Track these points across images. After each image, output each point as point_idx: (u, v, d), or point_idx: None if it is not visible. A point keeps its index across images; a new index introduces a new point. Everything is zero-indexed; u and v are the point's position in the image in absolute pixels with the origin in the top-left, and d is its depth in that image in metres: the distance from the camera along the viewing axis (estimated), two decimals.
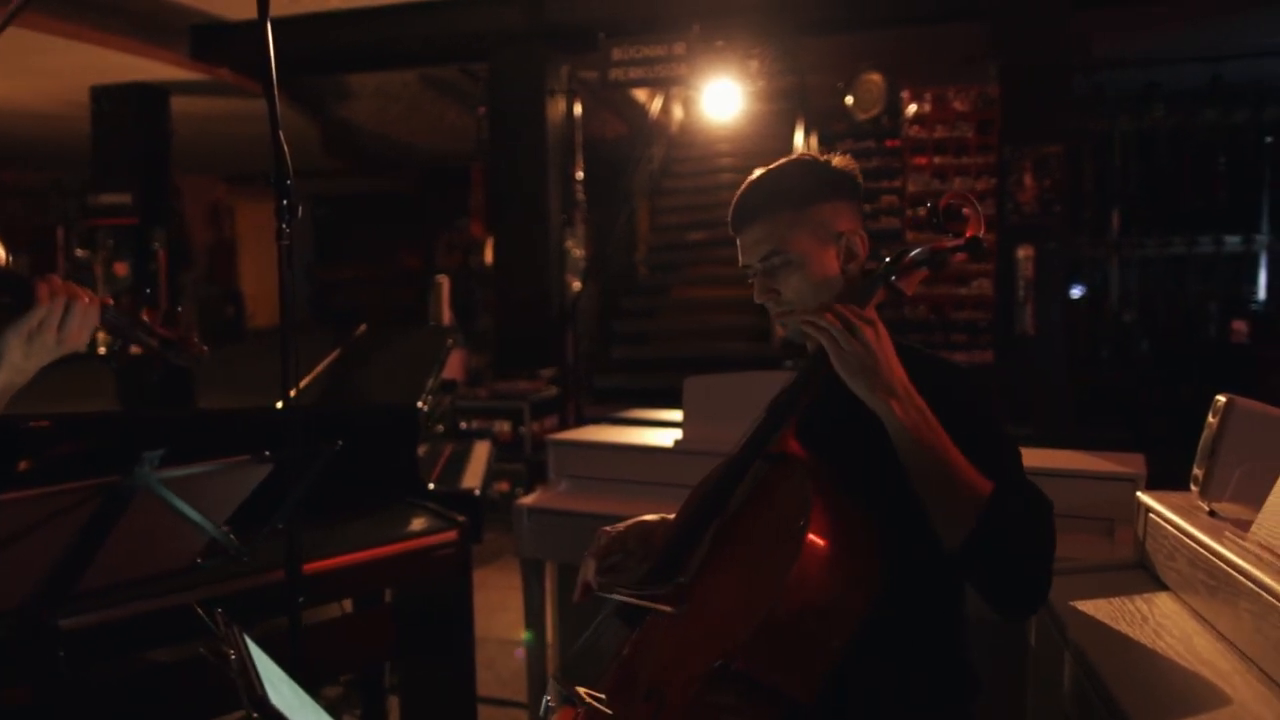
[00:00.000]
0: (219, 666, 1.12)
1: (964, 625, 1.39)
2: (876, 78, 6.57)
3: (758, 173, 1.46)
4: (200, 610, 1.23)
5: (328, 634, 2.57)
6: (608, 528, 1.53)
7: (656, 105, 10.37)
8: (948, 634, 1.37)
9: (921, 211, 1.44)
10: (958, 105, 5.93)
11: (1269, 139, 9.70)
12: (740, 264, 1.46)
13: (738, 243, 1.45)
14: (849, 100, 6.70)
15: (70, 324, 1.30)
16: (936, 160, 6.09)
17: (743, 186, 1.45)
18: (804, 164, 1.44)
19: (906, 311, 6.59)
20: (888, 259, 1.40)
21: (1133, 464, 2.24)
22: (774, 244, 1.38)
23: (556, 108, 7.19)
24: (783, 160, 1.47)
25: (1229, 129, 9.64)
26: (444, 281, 6.60)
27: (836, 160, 1.44)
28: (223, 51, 7.32)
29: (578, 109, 7.53)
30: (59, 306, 1.29)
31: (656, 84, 7.35)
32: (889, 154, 6.90)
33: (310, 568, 2.17)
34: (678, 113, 11.00)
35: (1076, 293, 8.73)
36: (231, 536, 1.28)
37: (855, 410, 1.28)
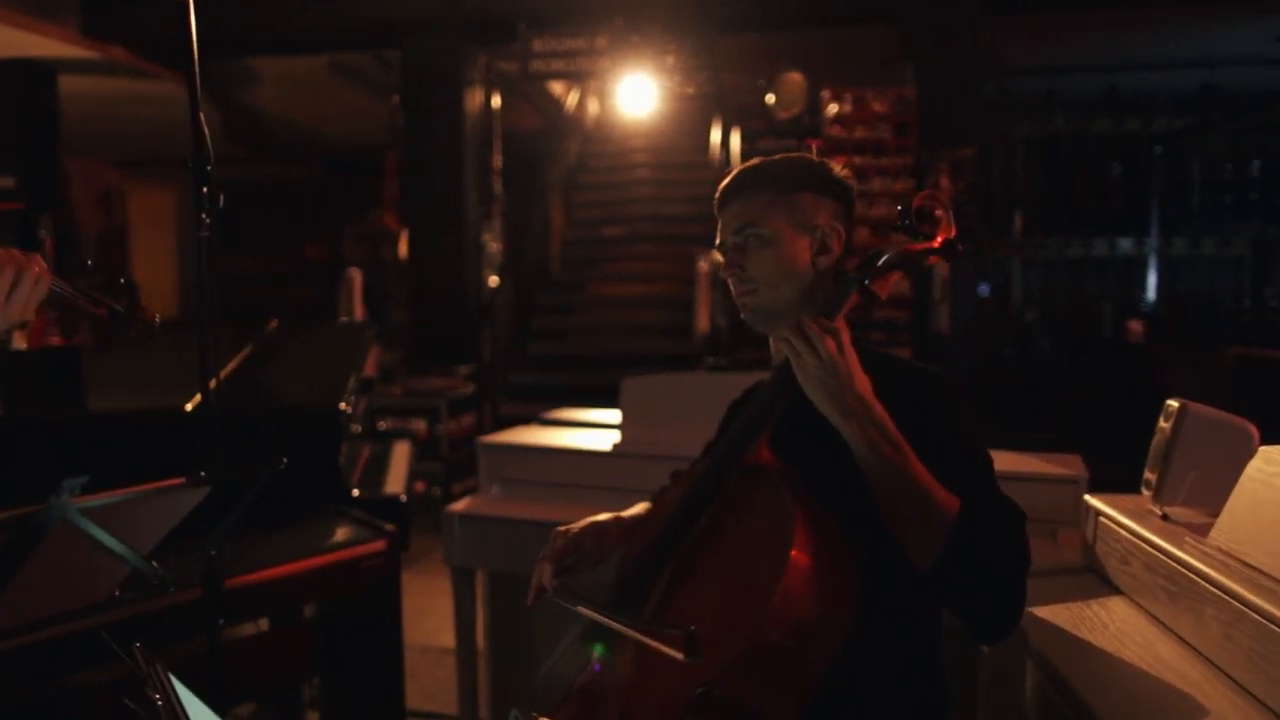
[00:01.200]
0: (141, 713, 1.00)
1: (941, 639, 1.36)
2: (797, 77, 6.60)
3: (750, 160, 1.47)
4: (116, 644, 1.10)
5: (242, 653, 2.41)
6: (562, 528, 1.47)
7: (573, 99, 10.25)
8: (928, 649, 1.33)
9: (893, 214, 1.39)
10: (877, 106, 6.00)
11: (1158, 149, 10.17)
12: (716, 241, 1.45)
13: (719, 222, 1.43)
14: (770, 99, 6.72)
15: (19, 294, 1.21)
16: (856, 160, 6.13)
17: (737, 169, 1.46)
18: (801, 158, 1.44)
19: None
20: (860, 261, 1.35)
21: (1072, 465, 2.26)
22: (749, 219, 1.38)
23: (474, 98, 7.02)
24: (784, 154, 1.46)
25: (1122, 137, 10.08)
26: (356, 275, 6.36)
27: (836, 167, 1.44)
28: (117, 28, 6.90)
29: (496, 101, 7.36)
30: (7, 276, 1.19)
31: (578, 77, 7.25)
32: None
33: (228, 584, 2.02)
34: (594, 107, 10.90)
35: (983, 292, 8.99)
36: (155, 566, 1.14)
37: (823, 422, 1.23)
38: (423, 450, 5.82)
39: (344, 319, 6.20)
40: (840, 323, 1.25)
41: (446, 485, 5.85)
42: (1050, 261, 10.25)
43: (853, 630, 1.14)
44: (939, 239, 1.36)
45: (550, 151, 9.76)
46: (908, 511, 1.18)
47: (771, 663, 1.11)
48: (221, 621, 1.71)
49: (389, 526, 2.40)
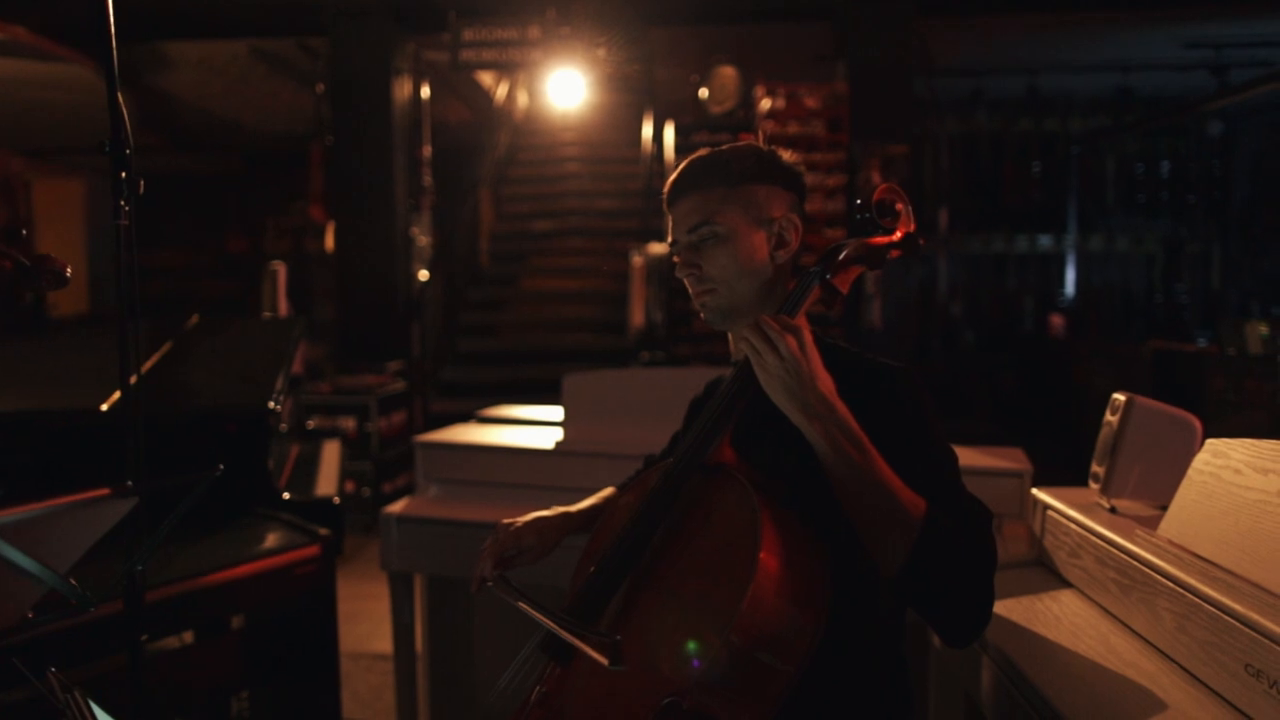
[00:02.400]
0: None
1: (904, 636, 1.34)
2: (730, 71, 6.61)
3: (698, 152, 1.41)
4: (29, 669, 1.01)
5: (167, 666, 2.29)
6: (506, 520, 1.47)
7: (502, 91, 10.12)
8: (894, 648, 1.31)
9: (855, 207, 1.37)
10: (809, 102, 6.04)
11: (1075, 148, 10.49)
12: (669, 240, 1.40)
13: (669, 219, 1.38)
14: (703, 93, 6.71)
15: None
16: (789, 156, 6.16)
17: (684, 163, 1.40)
18: (749, 147, 1.39)
19: None
20: (820, 256, 1.32)
21: (1016, 459, 2.28)
22: (702, 216, 1.33)
23: (403, 88, 6.85)
24: (730, 144, 1.41)
25: (1042, 136, 10.38)
26: (280, 269, 6.14)
27: (785, 154, 1.40)
28: (20, 7, 6.55)
29: (425, 91, 7.21)
30: None
31: (509, 68, 7.13)
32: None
33: (150, 596, 1.91)
34: (523, 100, 10.78)
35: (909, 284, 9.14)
36: (76, 586, 1.05)
37: (785, 422, 1.20)
38: (353, 449, 5.67)
39: (268, 314, 5.99)
40: (801, 320, 1.21)
41: (377, 485, 5.70)
42: (974, 257, 10.50)
43: (822, 634, 1.11)
44: (899, 233, 1.34)
45: (479, 144, 9.61)
46: (873, 514, 1.14)
47: (741, 672, 1.07)
48: (145, 637, 1.60)
49: (322, 531, 2.31)
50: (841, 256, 1.31)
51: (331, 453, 3.57)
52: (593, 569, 1.24)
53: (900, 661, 1.33)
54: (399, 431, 6.10)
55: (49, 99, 8.30)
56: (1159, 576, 1.39)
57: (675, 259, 1.39)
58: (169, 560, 2.08)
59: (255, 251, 11.14)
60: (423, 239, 7.07)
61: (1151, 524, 1.57)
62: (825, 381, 1.15)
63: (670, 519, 1.23)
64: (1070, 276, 10.69)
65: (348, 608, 4.22)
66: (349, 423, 5.68)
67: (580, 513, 1.54)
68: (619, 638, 1.03)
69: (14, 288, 1.31)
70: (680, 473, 1.22)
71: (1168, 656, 1.36)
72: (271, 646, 2.38)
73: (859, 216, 1.35)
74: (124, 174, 1.53)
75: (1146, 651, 1.40)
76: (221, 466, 1.39)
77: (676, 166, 1.41)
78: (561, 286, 8.77)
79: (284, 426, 3.82)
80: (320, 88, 7.12)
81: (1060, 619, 1.56)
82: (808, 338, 1.16)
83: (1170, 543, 1.46)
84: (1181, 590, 1.33)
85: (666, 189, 1.39)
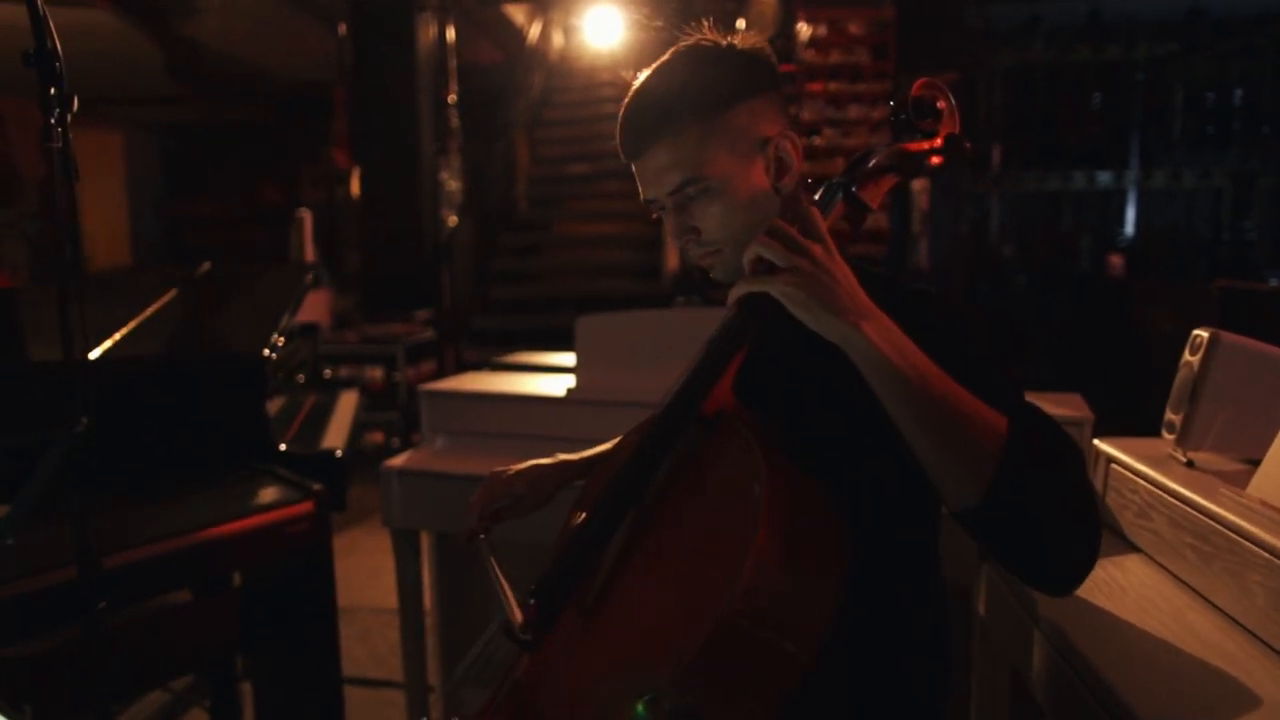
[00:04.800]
0: None
1: (945, 604, 1.14)
2: None
3: (643, 76, 1.10)
4: None
5: (165, 626, 2.18)
6: (498, 469, 1.35)
7: (535, 31, 9.82)
8: (932, 619, 1.11)
9: (887, 109, 1.14)
10: (853, 28, 5.69)
11: (1140, 77, 9.90)
12: (641, 198, 1.12)
13: (634, 170, 1.10)
14: (741, 23, 6.38)
15: None
16: (832, 87, 5.83)
17: (628, 98, 1.10)
18: (702, 57, 1.08)
19: None
20: (847, 165, 1.10)
21: (1075, 406, 2.04)
22: (685, 171, 1.05)
23: (427, 27, 6.62)
24: (670, 55, 1.10)
25: (1103, 66, 9.80)
26: (306, 216, 6.03)
27: (742, 41, 1.10)
28: None
29: (450, 32, 6.95)
30: None
31: (534, 0, 6.84)
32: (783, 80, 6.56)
33: (123, 557, 1.78)
34: (558, 40, 10.47)
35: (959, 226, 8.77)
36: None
37: (803, 355, 0.99)
38: (380, 399, 5.57)
39: (294, 260, 5.88)
40: (821, 226, 0.98)
41: (406, 435, 5.60)
42: (1028, 195, 10.02)
43: (839, 614, 0.91)
44: (941, 135, 1.11)
45: (513, 86, 9.35)
46: (944, 433, 0.90)
47: (739, 660, 0.88)
48: (103, 605, 1.47)
49: (317, 486, 2.15)
50: (872, 164, 1.09)
51: (347, 403, 3.43)
52: (580, 521, 1.06)
53: (938, 637, 1.13)
54: (428, 381, 5.98)
55: (79, 48, 8.20)
56: (1250, 544, 1.17)
57: (654, 216, 1.13)
58: (152, 518, 1.95)
59: (291, 200, 11.05)
60: (452, 184, 6.88)
61: (1237, 480, 1.34)
62: (861, 291, 0.92)
63: (665, 475, 1.04)
64: (1130, 215, 10.17)
65: (372, 561, 4.14)
66: (376, 372, 5.57)
67: (581, 461, 1.38)
68: (532, 603, 0.88)
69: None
70: (674, 418, 1.02)
71: (1259, 638, 1.15)
72: (265, 609, 2.25)
73: (896, 118, 1.12)
74: (52, 89, 1.35)
75: (1231, 631, 1.19)
76: (85, 420, 1.26)
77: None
78: (598, 231, 8.55)
79: (301, 378, 3.70)
80: (342, 27, 6.91)
81: (1126, 590, 1.35)
82: (834, 248, 0.94)
83: (1264, 504, 1.23)
84: (1277, 560, 1.11)
85: (620, 138, 1.10)
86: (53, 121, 1.35)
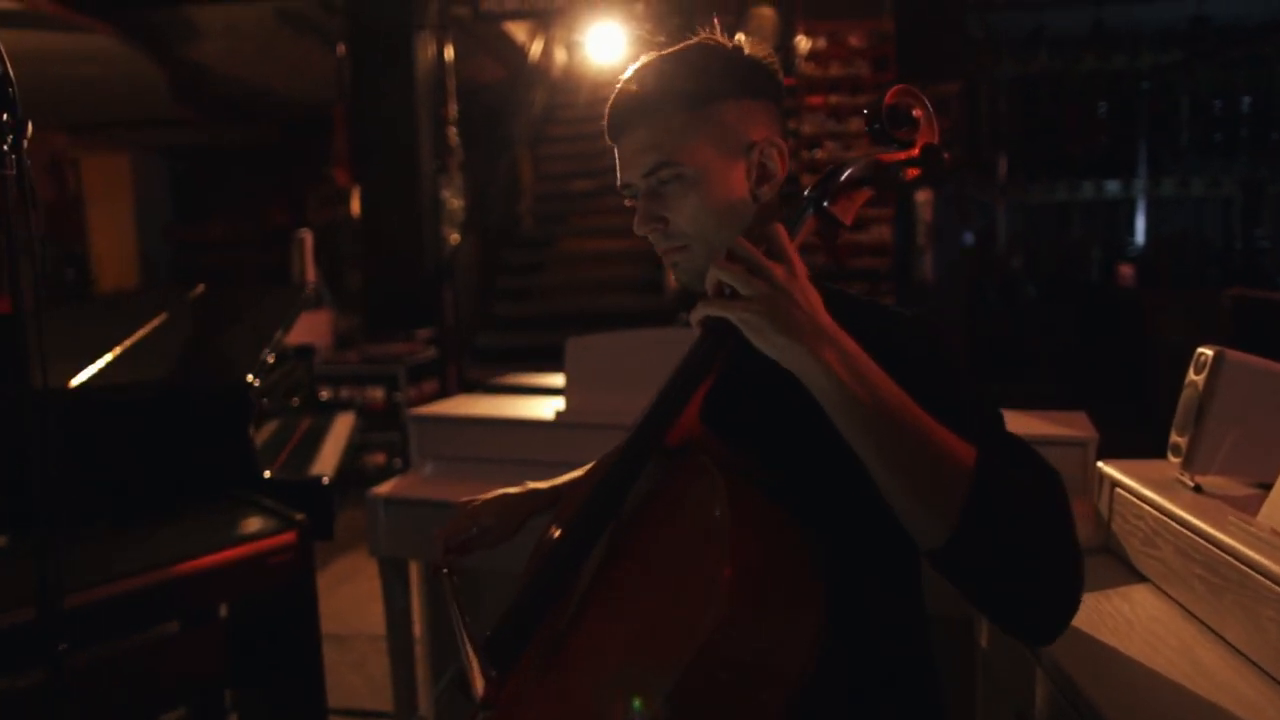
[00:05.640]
0: None
1: (928, 638, 1.07)
2: (768, 12, 6.23)
3: (641, 61, 1.08)
4: None
5: (151, 658, 2.12)
6: (465, 499, 1.30)
7: (537, 48, 9.82)
8: (916, 652, 1.04)
9: (861, 118, 1.07)
10: (853, 41, 5.64)
11: (1145, 85, 9.82)
12: (619, 182, 1.09)
13: (615, 154, 1.08)
14: (740, 37, 6.35)
15: None
16: (832, 99, 5.78)
17: (622, 80, 1.08)
18: (705, 50, 1.07)
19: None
20: (818, 179, 1.04)
21: (1078, 425, 1.97)
22: (663, 154, 1.03)
23: (425, 46, 6.60)
24: (676, 46, 1.08)
25: (1108, 75, 9.73)
26: (307, 236, 6.00)
27: (749, 47, 1.08)
28: None
29: (449, 51, 6.94)
30: None
31: (533, 17, 6.84)
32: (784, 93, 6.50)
33: (78, 600, 1.71)
34: (560, 56, 10.47)
35: (967, 240, 8.69)
36: None
37: (774, 381, 0.92)
38: (382, 420, 5.51)
39: (293, 283, 5.86)
40: (794, 255, 0.92)
41: (408, 456, 5.54)
42: (1035, 206, 9.94)
43: (818, 648, 0.83)
44: (918, 145, 1.05)
45: (515, 103, 9.33)
46: (909, 467, 0.83)
47: (710, 706, 0.81)
48: (64, 647, 1.41)
49: (298, 516, 2.10)
50: (844, 177, 1.03)
51: (342, 427, 3.38)
52: (538, 562, 1.00)
53: (926, 670, 1.06)
54: (431, 401, 5.93)
55: (84, 73, 8.23)
56: (1261, 577, 1.10)
57: (627, 204, 1.09)
58: (127, 551, 1.89)
59: (297, 222, 11.07)
60: (454, 201, 6.85)
61: (1247, 506, 1.27)
62: (826, 315, 0.86)
63: (630, 509, 0.98)
64: (1140, 224, 10.07)
65: (369, 587, 4.07)
66: (377, 393, 5.52)
67: (550, 490, 1.33)
68: (494, 674, 0.83)
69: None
70: (629, 458, 0.96)
71: (1273, 678, 1.08)
72: (250, 640, 2.19)
73: (869, 128, 1.07)
74: (4, 114, 1.30)
75: (1243, 670, 1.11)
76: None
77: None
78: (601, 247, 8.50)
79: (296, 401, 3.65)
80: (341, 47, 6.90)
81: (1133, 624, 1.28)
82: (799, 269, 0.88)
83: (1275, 533, 1.16)
84: None
85: (609, 114, 1.08)
86: (6, 149, 1.30)
